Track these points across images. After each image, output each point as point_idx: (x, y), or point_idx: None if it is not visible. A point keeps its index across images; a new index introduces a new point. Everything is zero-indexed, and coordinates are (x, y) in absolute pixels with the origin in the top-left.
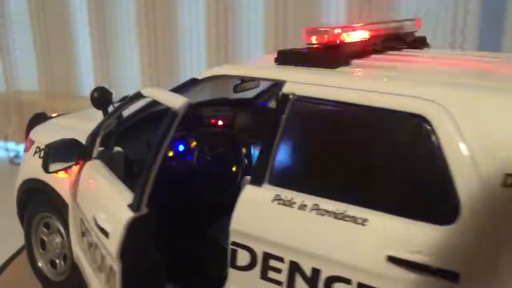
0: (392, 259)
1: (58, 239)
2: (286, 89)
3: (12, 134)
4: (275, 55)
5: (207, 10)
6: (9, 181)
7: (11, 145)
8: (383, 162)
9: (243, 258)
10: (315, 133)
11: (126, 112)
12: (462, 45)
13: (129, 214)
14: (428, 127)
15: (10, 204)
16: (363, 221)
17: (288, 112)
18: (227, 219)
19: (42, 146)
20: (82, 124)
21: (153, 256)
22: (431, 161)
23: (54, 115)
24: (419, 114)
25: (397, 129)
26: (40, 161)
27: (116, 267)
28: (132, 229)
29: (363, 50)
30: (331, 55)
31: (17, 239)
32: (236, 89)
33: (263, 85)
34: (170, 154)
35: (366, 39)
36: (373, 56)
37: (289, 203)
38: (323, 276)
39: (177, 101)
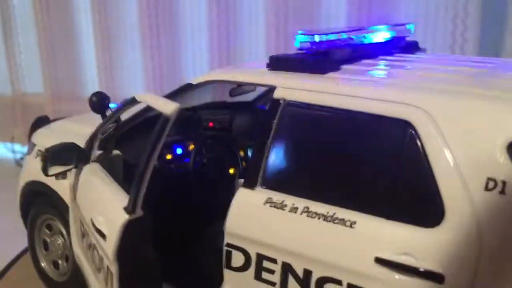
0: (380, 261)
1: (60, 240)
2: (276, 94)
3: (18, 136)
4: (268, 61)
5: (209, 12)
6: (16, 182)
7: (17, 146)
8: (370, 166)
9: (237, 259)
10: (305, 137)
11: (125, 116)
12: (462, 47)
13: (124, 217)
14: (413, 132)
15: (17, 205)
16: (352, 224)
17: (279, 117)
18: (223, 221)
19: (43, 149)
20: (82, 127)
21: (149, 257)
22: (416, 165)
23: (56, 118)
24: (404, 119)
25: (384, 134)
26: (41, 164)
27: (113, 268)
28: (127, 231)
29: (354, 56)
30: (321, 61)
31: (23, 239)
32: (232, 93)
33: (261, 89)
34: (168, 157)
35: (357, 44)
36: (363, 61)
37: (281, 206)
38: (315, 277)
39: (168, 107)
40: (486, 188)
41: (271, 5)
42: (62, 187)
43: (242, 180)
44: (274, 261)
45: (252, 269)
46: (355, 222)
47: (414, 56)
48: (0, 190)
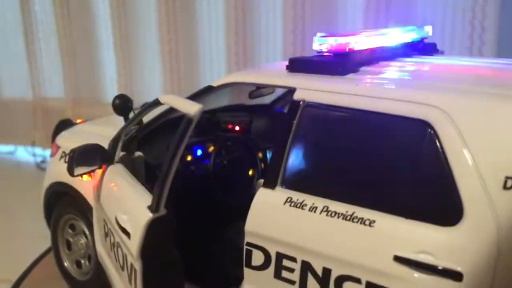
0: (399, 259)
1: (83, 240)
2: (296, 95)
3: (39, 140)
4: (287, 63)
5: (226, 17)
6: (37, 185)
7: (38, 150)
8: (389, 166)
9: (257, 258)
10: (325, 138)
11: (147, 118)
12: (480, 49)
13: (148, 215)
14: (432, 132)
15: (38, 207)
16: (371, 223)
17: (299, 118)
18: (243, 221)
19: (67, 151)
20: (105, 130)
21: (172, 255)
22: (435, 164)
23: (78, 121)
24: (423, 119)
25: (403, 134)
26: (65, 165)
27: (137, 266)
28: (151, 229)
29: (373, 57)
30: (340, 62)
31: (45, 240)
32: (251, 96)
33: (280, 91)
34: (189, 158)
35: (376, 46)
36: (382, 63)
37: (301, 205)
38: (334, 275)
39: (192, 108)
40: (505, 187)
41: (288, 8)
42: (85, 188)
43: (262, 181)
44: (293, 259)
45: (271, 268)
46: (374, 221)
47: (433, 58)
48: (23, 192)
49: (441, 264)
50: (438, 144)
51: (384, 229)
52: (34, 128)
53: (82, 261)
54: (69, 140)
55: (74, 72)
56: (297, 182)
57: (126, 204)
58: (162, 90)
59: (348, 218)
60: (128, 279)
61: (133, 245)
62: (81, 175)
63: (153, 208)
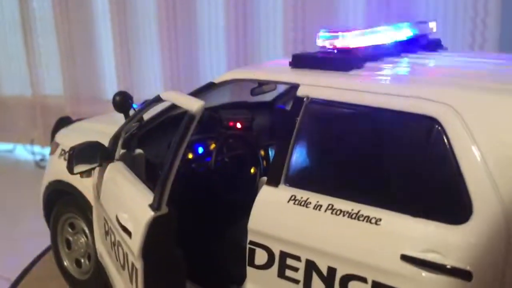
0: (406, 258)
1: (83, 239)
2: (300, 92)
3: (38, 138)
4: (289, 58)
5: (227, 14)
6: (36, 183)
7: (37, 148)
8: (396, 163)
9: (260, 257)
10: (329, 134)
11: (147, 115)
12: (482, 46)
13: (150, 214)
14: (440, 129)
15: (38, 205)
16: (377, 221)
17: (303, 114)
18: (245, 219)
19: (67, 149)
20: (105, 127)
21: (174, 254)
22: (443, 162)
23: (78, 119)
24: (431, 116)
25: (410, 131)
26: (65, 163)
27: (138, 265)
28: (153, 227)
29: (377, 53)
30: (344, 58)
31: (44, 239)
32: (253, 92)
33: (281, 88)
34: (190, 156)
35: (380, 42)
36: (387, 59)
37: (305, 203)
38: (339, 274)
39: (194, 104)
40: None
41: (289, 6)
42: (85, 186)
43: (265, 178)
44: (298, 258)
45: (275, 267)
46: (380, 219)
47: (437, 54)
48: (22, 190)
49: (449, 263)
50: (445, 140)
51: (391, 228)
52: (33, 126)
53: (82, 260)
54: (68, 138)
55: (73, 69)
56: (301, 180)
57: (127, 203)
58: (162, 86)
59: (353, 216)
60: (129, 279)
61: (134, 244)
62: (81, 173)
63: (154, 206)
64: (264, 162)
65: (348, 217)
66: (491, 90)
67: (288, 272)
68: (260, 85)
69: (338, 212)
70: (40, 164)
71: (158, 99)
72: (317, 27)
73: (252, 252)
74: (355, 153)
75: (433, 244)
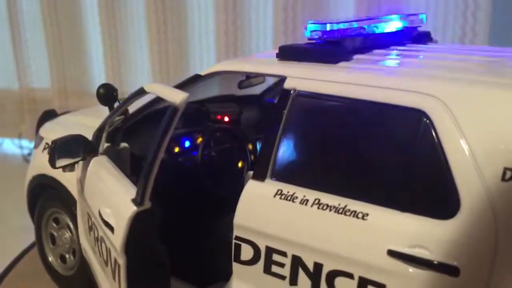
0: (393, 253)
1: (67, 234)
2: (287, 84)
3: (26, 132)
4: (277, 51)
5: (216, 7)
6: (23, 177)
7: (24, 142)
8: (383, 157)
9: (246, 252)
10: (316, 128)
11: (133, 108)
12: (473, 40)
13: (132, 208)
14: (427, 122)
15: (24, 200)
16: (364, 216)
17: (289, 107)
18: (232, 214)
19: (51, 142)
20: (90, 120)
21: (158, 250)
22: (431, 155)
23: (63, 112)
24: (418, 108)
25: (397, 124)
26: (48, 157)
27: (121, 261)
28: (136, 223)
29: (366, 45)
30: (332, 50)
31: (30, 234)
32: (241, 85)
33: (270, 81)
34: (176, 150)
35: (369, 34)
36: (375, 51)
37: (291, 198)
38: (326, 270)
39: (177, 97)
40: (503, 179)
41: None
42: (69, 180)
43: (251, 173)
44: (284, 254)
45: (261, 263)
46: (367, 214)
47: (427, 46)
48: (9, 185)
49: (436, 258)
50: (434, 134)
51: (378, 223)
52: (20, 119)
53: (67, 256)
54: (52, 131)
55: (61, 63)
56: (288, 174)
57: (109, 197)
58: (151, 80)
59: (340, 211)
60: (112, 275)
61: (117, 239)
62: (63, 167)
63: (137, 201)
64: (252, 156)
65: (334, 211)
66: (480, 83)
67: (274, 268)
68: (248, 78)
69: (325, 207)
70: (27, 158)
71: (141, 92)
72: (308, 19)
73: (238, 247)
74: (342, 146)
75: (420, 240)
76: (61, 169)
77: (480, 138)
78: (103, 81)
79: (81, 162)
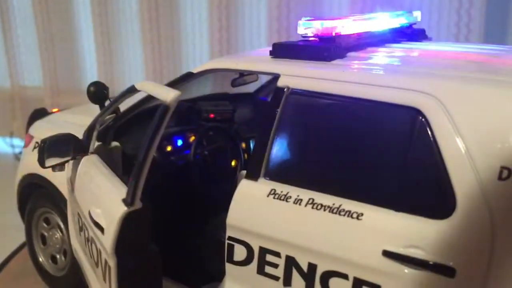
0: (388, 254)
1: (58, 234)
2: (280, 82)
3: (17, 130)
4: (270, 48)
5: (210, 4)
6: (15, 176)
7: (16, 141)
8: (378, 156)
9: (239, 253)
10: (310, 126)
11: (124, 107)
12: (467, 37)
13: (122, 209)
14: (423, 120)
15: (15, 200)
16: (359, 215)
17: (283, 106)
18: (225, 214)
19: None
20: (81, 119)
21: (149, 251)
22: (426, 154)
23: (54, 110)
24: (414, 107)
25: (392, 123)
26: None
27: (111, 262)
28: (126, 223)
29: (360, 43)
30: (326, 48)
31: (21, 233)
32: (234, 83)
33: (264, 79)
34: (169, 148)
35: (363, 31)
36: (369, 48)
37: (285, 198)
38: (320, 271)
39: (168, 95)
40: (500, 178)
41: None
42: (59, 180)
43: (244, 172)
44: (277, 254)
45: (254, 263)
46: (362, 214)
47: (422, 44)
48: (0, 184)
49: (432, 259)
50: (429, 132)
51: (373, 223)
52: (12, 118)
53: (58, 256)
54: (43, 130)
55: (53, 60)
56: (281, 173)
57: (100, 197)
58: (144, 79)
59: (334, 211)
60: (103, 276)
61: (107, 240)
62: (52, 166)
63: (128, 201)
64: (245, 155)
65: (329, 211)
66: (476, 80)
67: (268, 269)
68: (241, 76)
69: (319, 207)
70: (19, 157)
71: (132, 90)
72: (302, 16)
73: (231, 248)
74: (337, 145)
75: (415, 240)
76: (51, 169)
77: (476, 137)
78: (96, 79)
79: (71, 162)
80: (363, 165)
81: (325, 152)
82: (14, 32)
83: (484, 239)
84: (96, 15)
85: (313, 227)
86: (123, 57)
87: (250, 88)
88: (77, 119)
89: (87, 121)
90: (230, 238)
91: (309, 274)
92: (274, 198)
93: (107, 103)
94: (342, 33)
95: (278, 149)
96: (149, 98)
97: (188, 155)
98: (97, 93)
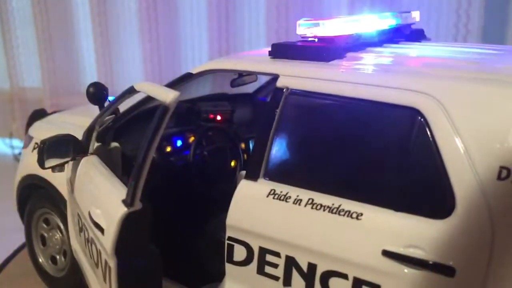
0: (388, 254)
1: (58, 235)
2: (279, 82)
3: (17, 131)
4: (269, 49)
5: (209, 4)
6: (14, 178)
7: (15, 142)
8: (377, 156)
9: (239, 253)
10: (310, 127)
11: (124, 107)
12: (466, 37)
13: (122, 209)
14: (422, 120)
15: (15, 201)
16: (358, 215)
17: (282, 106)
18: (224, 214)
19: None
20: (80, 120)
21: (149, 251)
22: (426, 154)
23: (53, 111)
24: (413, 107)
25: (392, 123)
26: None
27: (111, 263)
28: (126, 224)
29: (359, 43)
30: (325, 48)
31: (21, 235)
32: (233, 84)
33: (263, 80)
34: (168, 149)
35: (362, 32)
36: (368, 49)
37: (284, 198)
38: (320, 271)
39: (168, 95)
40: (499, 177)
41: None
42: (59, 181)
43: (244, 172)
44: (277, 254)
45: (254, 263)
46: (361, 214)
47: (420, 44)
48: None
49: (432, 258)
50: (428, 132)
51: (372, 222)
52: (11, 119)
53: (58, 257)
54: (42, 131)
55: (52, 61)
56: (281, 174)
57: (99, 198)
58: (143, 79)
59: (334, 211)
60: (103, 277)
61: (107, 241)
62: (52, 167)
63: (128, 202)
64: (245, 156)
65: (328, 211)
66: (475, 80)
67: (268, 269)
68: (240, 76)
69: (319, 207)
70: (18, 158)
71: (131, 91)
72: (301, 16)
73: (231, 248)
74: (336, 145)
75: (415, 239)
76: (51, 169)
77: (475, 136)
78: (95, 80)
79: (71, 162)
80: (363, 165)
81: (324, 152)
82: (14, 33)
83: (483, 239)
84: (95, 15)
85: (313, 227)
86: (122, 58)
87: (249, 88)
88: (77, 120)
89: (87, 122)
90: (230, 238)
91: (309, 274)
92: (273, 198)
93: (106, 104)
94: (341, 34)
95: (278, 149)
96: (149, 99)
97: (187, 155)
98: (97, 94)
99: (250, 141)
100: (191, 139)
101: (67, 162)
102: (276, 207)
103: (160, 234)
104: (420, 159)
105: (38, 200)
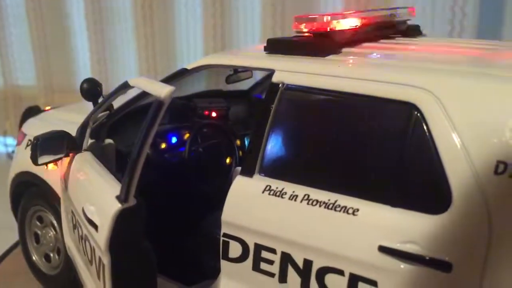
0: (384, 249)
1: (51, 233)
2: (275, 78)
3: (11, 129)
4: (265, 44)
5: (204, 0)
6: (7, 175)
7: (9, 140)
8: (374, 151)
9: (234, 249)
10: (305, 122)
11: (118, 103)
12: (461, 34)
13: (116, 206)
14: (418, 115)
15: (8, 198)
16: (354, 211)
17: (278, 102)
18: (220, 211)
19: None
20: (74, 116)
21: (144, 248)
22: (422, 149)
23: (47, 108)
24: (409, 101)
25: (388, 118)
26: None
27: (105, 260)
28: (120, 220)
29: (355, 38)
30: (321, 43)
31: (14, 232)
32: (228, 80)
33: (258, 76)
34: (163, 146)
35: (358, 27)
36: (364, 44)
37: (280, 194)
38: (316, 267)
39: (162, 90)
40: (496, 172)
41: None
42: (53, 178)
43: (239, 168)
44: (273, 251)
45: (250, 260)
46: (357, 210)
47: (416, 39)
48: None
49: (428, 254)
50: (425, 127)
51: (368, 218)
52: (5, 117)
53: (51, 255)
54: (36, 127)
55: (46, 59)
56: (277, 170)
57: (93, 194)
58: (138, 75)
59: (330, 206)
60: (97, 274)
61: (101, 238)
62: (45, 164)
63: (122, 198)
64: (240, 152)
65: (324, 207)
66: (471, 75)
67: (263, 265)
68: (235, 72)
69: (314, 203)
70: (12, 156)
71: (126, 86)
72: (296, 13)
73: (226, 244)
74: (332, 141)
75: (411, 235)
76: (44, 166)
77: (472, 131)
78: (89, 77)
79: (64, 159)
80: (359, 160)
81: (320, 147)
82: (7, 30)
83: (480, 234)
84: (89, 12)
85: (309, 223)
86: (117, 54)
87: (245, 85)
88: (71, 117)
89: (80, 118)
90: (225, 235)
91: (304, 270)
92: (269, 194)
93: (100, 100)
94: (336, 29)
95: (273, 145)
96: (143, 94)
97: (182, 152)
98: (91, 90)
99: (246, 138)
100: (186, 135)
101: (60, 158)
102: (271, 203)
103: (155, 231)
104: (417, 154)
105: (31, 198)
